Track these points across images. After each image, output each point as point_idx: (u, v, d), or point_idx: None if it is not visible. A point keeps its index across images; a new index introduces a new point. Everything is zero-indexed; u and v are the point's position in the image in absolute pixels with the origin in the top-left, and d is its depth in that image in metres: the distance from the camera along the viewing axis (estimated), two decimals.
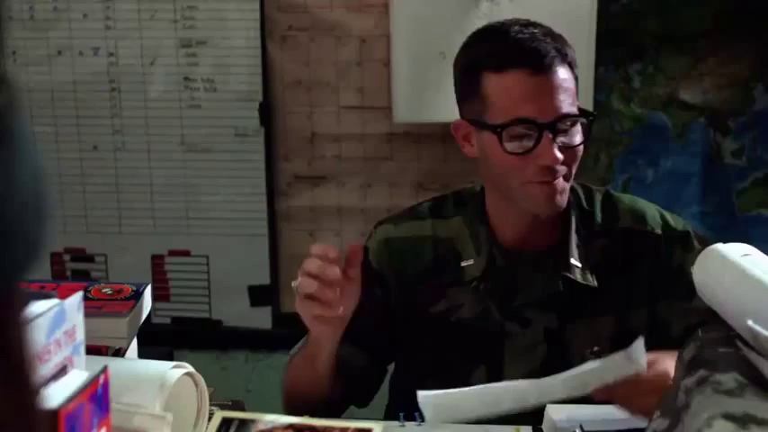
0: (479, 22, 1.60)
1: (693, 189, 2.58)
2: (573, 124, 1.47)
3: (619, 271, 1.55)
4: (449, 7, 2.43)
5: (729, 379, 1.00)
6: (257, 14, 2.59)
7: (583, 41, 2.42)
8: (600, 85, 2.51)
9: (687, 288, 1.52)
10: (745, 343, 1.05)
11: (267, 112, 2.64)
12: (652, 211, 1.61)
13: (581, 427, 1.31)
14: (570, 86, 1.47)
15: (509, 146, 1.45)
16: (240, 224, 2.70)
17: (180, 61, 2.64)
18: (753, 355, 1.03)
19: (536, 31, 1.48)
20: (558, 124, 1.45)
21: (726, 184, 2.58)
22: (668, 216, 1.61)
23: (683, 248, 1.57)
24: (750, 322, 1.01)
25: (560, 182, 1.47)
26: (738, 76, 2.53)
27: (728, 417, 0.95)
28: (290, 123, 2.66)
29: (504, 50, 1.47)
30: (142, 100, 2.67)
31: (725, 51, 2.52)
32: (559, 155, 1.44)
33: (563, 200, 1.49)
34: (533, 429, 1.38)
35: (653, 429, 1.13)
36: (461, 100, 1.55)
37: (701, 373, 1.03)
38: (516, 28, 1.49)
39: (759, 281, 1.07)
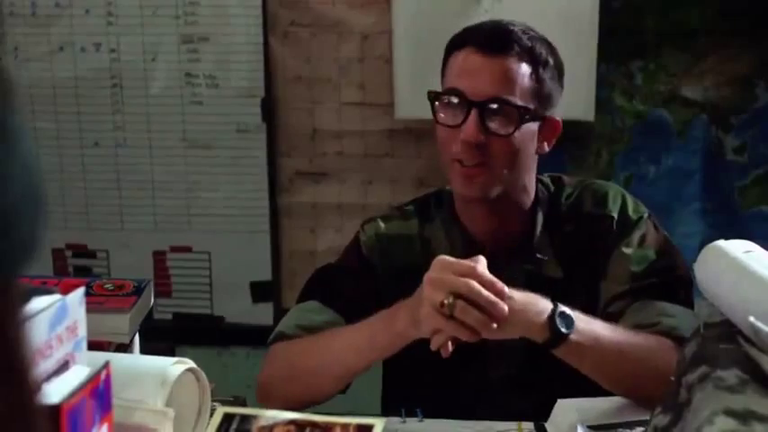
0: (481, 18, 1.61)
1: (695, 186, 2.57)
2: (509, 115, 1.46)
3: (584, 256, 1.55)
4: (450, 3, 2.43)
5: (731, 375, 1.00)
6: (259, 10, 2.59)
7: (585, 38, 2.42)
8: (602, 82, 2.50)
9: (623, 273, 1.50)
10: (747, 339, 1.05)
11: (269, 109, 2.64)
12: (615, 194, 1.59)
13: (581, 424, 1.31)
14: (518, 80, 1.46)
15: (441, 116, 1.49)
16: (242, 220, 2.70)
17: (181, 57, 2.64)
18: (754, 352, 1.03)
19: (517, 26, 1.50)
20: (489, 105, 1.45)
21: (727, 181, 2.57)
22: (629, 201, 1.59)
23: (630, 233, 1.55)
24: (752, 318, 1.01)
25: (478, 170, 1.48)
26: (740, 74, 2.52)
27: (730, 413, 0.95)
28: (291, 120, 2.66)
29: (469, 32, 1.51)
30: (144, 96, 2.67)
31: (727, 48, 2.51)
32: (479, 134, 1.45)
33: (479, 189, 1.50)
34: (535, 426, 1.38)
35: (654, 426, 1.13)
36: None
37: (703, 369, 1.03)
38: (501, 21, 1.53)
39: (760, 277, 1.07)
